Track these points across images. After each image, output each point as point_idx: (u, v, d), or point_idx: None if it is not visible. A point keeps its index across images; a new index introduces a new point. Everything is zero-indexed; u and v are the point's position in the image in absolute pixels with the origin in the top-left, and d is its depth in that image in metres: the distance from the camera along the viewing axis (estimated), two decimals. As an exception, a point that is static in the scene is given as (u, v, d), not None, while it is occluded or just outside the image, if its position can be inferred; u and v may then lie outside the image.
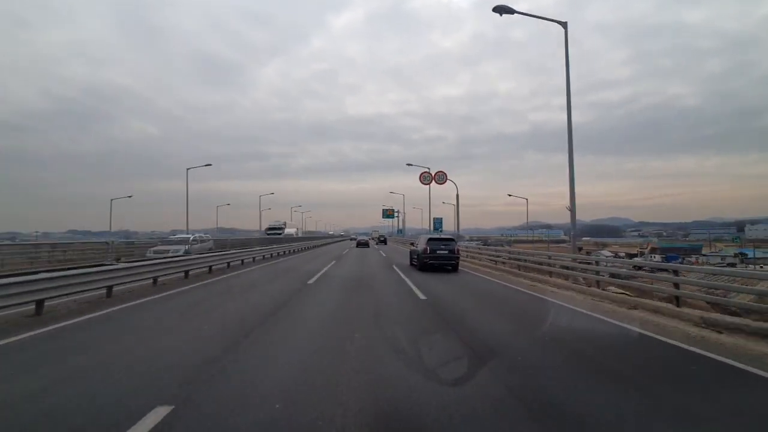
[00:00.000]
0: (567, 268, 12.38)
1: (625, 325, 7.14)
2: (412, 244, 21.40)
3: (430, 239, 17.83)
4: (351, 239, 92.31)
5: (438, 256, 17.33)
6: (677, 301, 8.61)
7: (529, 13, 15.39)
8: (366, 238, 67.66)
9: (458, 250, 17.76)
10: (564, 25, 14.73)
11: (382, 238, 73.68)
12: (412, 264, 20.19)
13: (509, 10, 14.51)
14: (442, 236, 18.90)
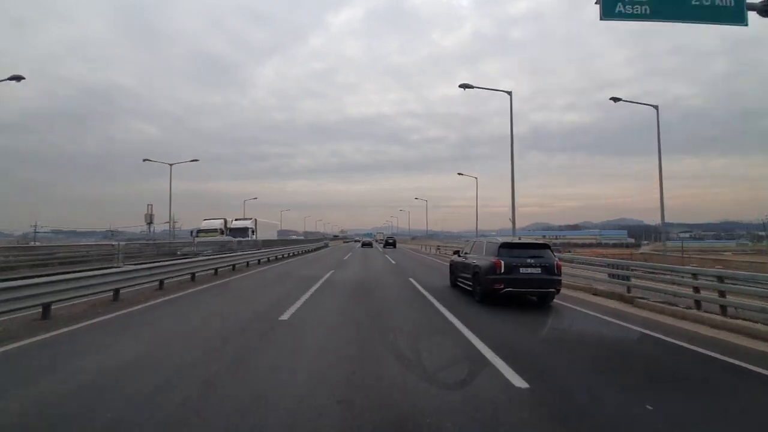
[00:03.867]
0: None
1: None
2: (456, 252, 12.83)
3: (504, 246, 9.29)
4: (355, 241, 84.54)
5: (523, 279, 8.81)
6: None
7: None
8: (370, 239, 67.89)
9: (560, 267, 9.19)
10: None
11: (390, 240, 60.87)
12: (457, 284, 11.83)
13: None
14: (528, 241, 10.22)
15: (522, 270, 8.90)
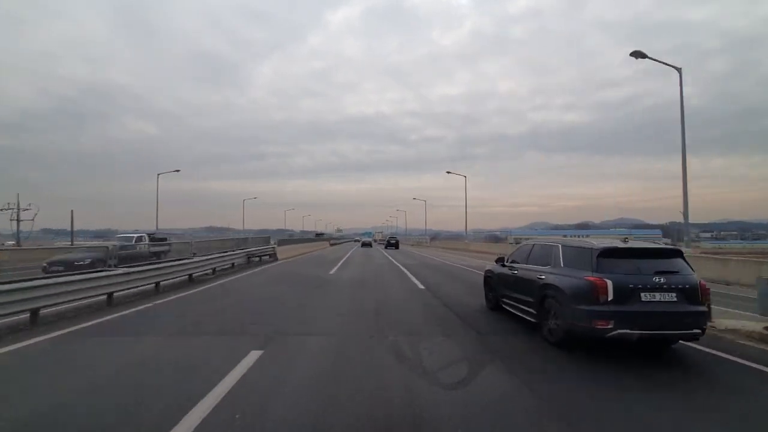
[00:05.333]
0: None
1: None
2: (500, 260, 8.76)
3: (607, 253, 5.42)
4: (355, 241, 79.87)
5: (649, 313, 4.97)
6: None
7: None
8: (369, 239, 64.44)
9: (706, 290, 5.34)
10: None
11: (392, 241, 53.97)
12: (501, 307, 8.15)
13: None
14: (645, 245, 6.21)
15: (645, 296, 5.05)
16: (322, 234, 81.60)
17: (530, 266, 7.01)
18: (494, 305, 8.58)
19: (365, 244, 56.57)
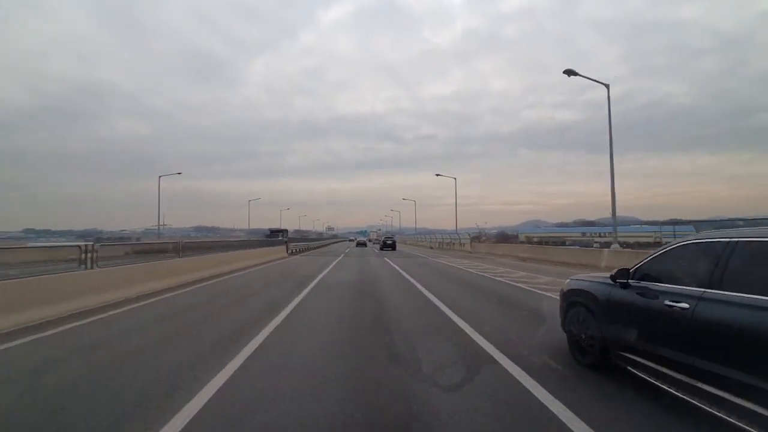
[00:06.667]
0: None
1: None
2: (621, 276, 4.66)
3: None
4: (350, 240, 76.97)
5: None
6: None
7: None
8: (364, 239, 63.92)
9: None
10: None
11: (388, 241, 46.67)
12: (619, 358, 4.15)
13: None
14: None
15: None
16: (281, 232, 48.92)
17: (736, 295, 2.96)
18: (597, 359, 4.50)
19: (360, 244, 58.05)
